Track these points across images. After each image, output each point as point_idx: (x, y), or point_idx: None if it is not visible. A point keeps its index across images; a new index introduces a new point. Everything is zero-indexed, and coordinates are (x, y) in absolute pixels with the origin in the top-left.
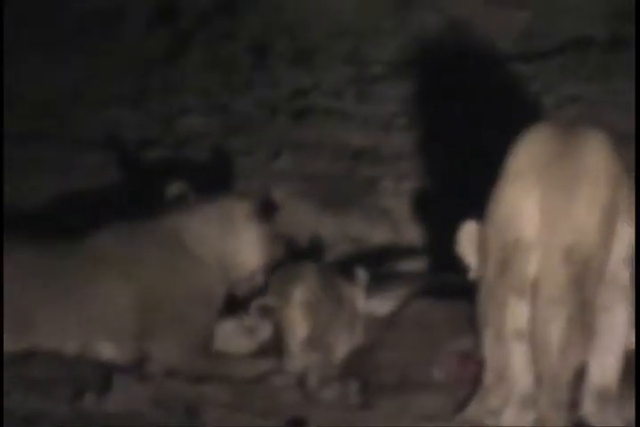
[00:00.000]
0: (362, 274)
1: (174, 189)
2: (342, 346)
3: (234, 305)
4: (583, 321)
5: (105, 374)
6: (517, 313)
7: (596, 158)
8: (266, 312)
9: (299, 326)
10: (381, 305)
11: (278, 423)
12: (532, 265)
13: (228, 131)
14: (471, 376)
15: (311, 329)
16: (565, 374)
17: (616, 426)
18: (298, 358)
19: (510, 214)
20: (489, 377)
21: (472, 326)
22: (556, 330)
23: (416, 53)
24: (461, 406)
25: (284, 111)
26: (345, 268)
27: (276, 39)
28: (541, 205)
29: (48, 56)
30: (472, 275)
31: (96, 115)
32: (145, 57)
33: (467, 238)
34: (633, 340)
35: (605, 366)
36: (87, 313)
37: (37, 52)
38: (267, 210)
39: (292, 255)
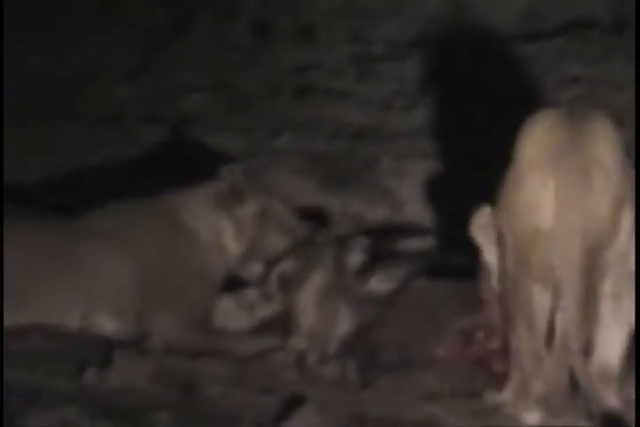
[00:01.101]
0: (358, 250)
1: (229, 172)
2: (342, 324)
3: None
4: (589, 308)
5: (105, 350)
6: (545, 304)
7: (605, 146)
8: (285, 281)
9: (311, 309)
10: (383, 284)
11: (277, 400)
12: (553, 254)
13: (230, 108)
14: (472, 356)
15: (323, 311)
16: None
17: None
18: (304, 337)
19: (527, 205)
20: (525, 369)
21: (474, 305)
22: (571, 318)
23: (418, 33)
24: (478, 390)
25: (286, 90)
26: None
27: (278, 17)
28: (557, 195)
29: (53, 34)
30: (483, 257)
31: (99, 92)
32: (148, 34)
33: (481, 223)
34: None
35: (609, 352)
36: (88, 289)
37: (51, 32)
38: (234, 195)
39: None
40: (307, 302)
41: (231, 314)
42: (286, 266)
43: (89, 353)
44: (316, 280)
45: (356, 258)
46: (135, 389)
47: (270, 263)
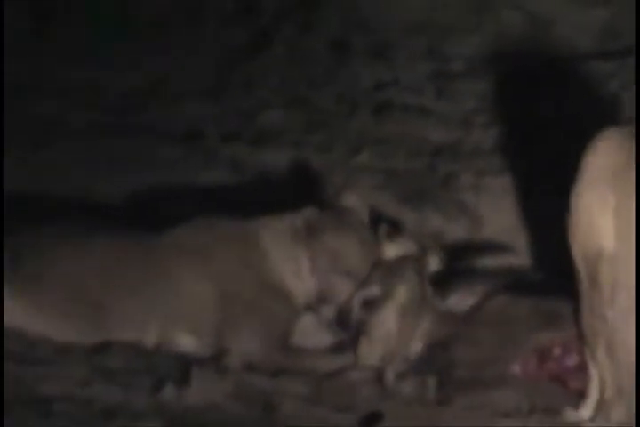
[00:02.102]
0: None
1: (348, 200)
2: (419, 341)
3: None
4: None
5: (184, 367)
6: (630, 332)
7: None
8: (369, 304)
9: (392, 326)
10: (461, 300)
11: (355, 418)
12: (618, 276)
13: (308, 126)
14: (549, 373)
15: (403, 328)
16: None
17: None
18: (382, 354)
19: (588, 227)
20: (608, 391)
21: (552, 322)
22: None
23: (496, 50)
24: (556, 407)
25: (364, 107)
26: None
27: (355, 34)
28: (617, 215)
29: (130, 50)
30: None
31: (177, 109)
32: (226, 51)
33: None
34: None
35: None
36: (167, 306)
37: (120, 46)
38: (312, 231)
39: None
40: (387, 320)
41: (310, 332)
42: (370, 291)
43: (167, 370)
44: (399, 298)
45: (432, 267)
46: (213, 406)
47: (355, 287)
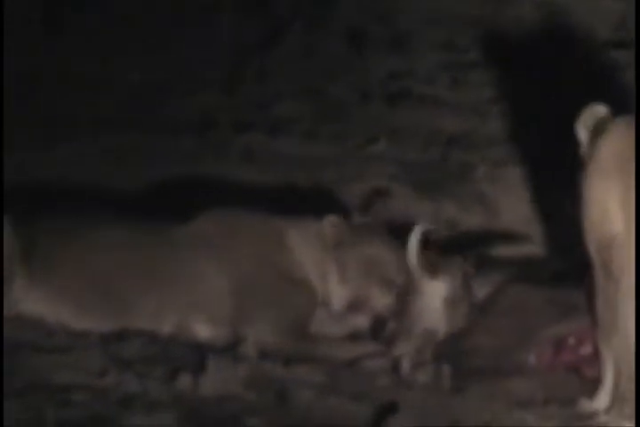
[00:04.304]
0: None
1: (335, 219)
2: (441, 330)
3: None
4: None
5: (199, 356)
6: (631, 314)
7: None
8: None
9: (439, 321)
10: (478, 289)
11: (370, 407)
12: (629, 263)
13: (322, 116)
14: (565, 364)
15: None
16: None
17: None
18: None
19: (598, 215)
20: (623, 381)
21: (568, 311)
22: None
23: (512, 40)
24: (571, 397)
25: (379, 97)
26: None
27: (370, 25)
28: (624, 205)
29: (146, 43)
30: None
31: (191, 99)
32: (240, 42)
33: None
34: None
35: None
36: (184, 294)
37: (135, 41)
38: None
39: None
40: (421, 309)
41: (327, 320)
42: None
43: (183, 359)
44: (444, 292)
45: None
46: (229, 395)
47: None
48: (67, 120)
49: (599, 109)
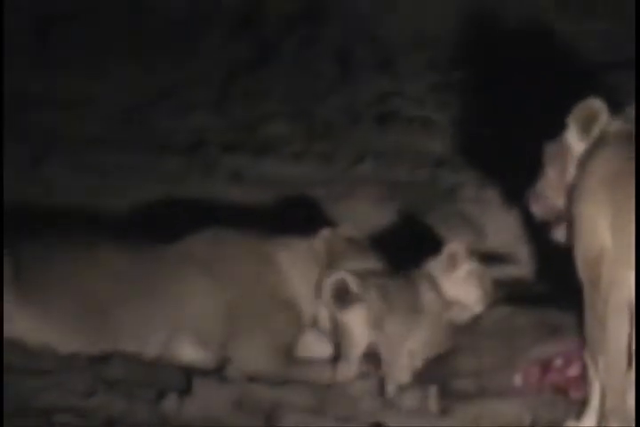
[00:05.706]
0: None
1: (330, 233)
2: (423, 352)
3: None
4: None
5: (186, 378)
6: (622, 332)
7: None
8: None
9: (398, 339)
10: (462, 311)
11: None
12: (618, 279)
13: (310, 136)
14: (552, 385)
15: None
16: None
17: None
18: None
19: (588, 231)
20: (611, 400)
21: (554, 333)
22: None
23: (500, 60)
24: (558, 418)
25: (367, 117)
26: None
27: (359, 46)
28: (613, 220)
29: (134, 62)
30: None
31: (180, 119)
32: (229, 63)
33: None
34: None
35: None
36: (171, 316)
37: (123, 59)
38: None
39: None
40: (394, 333)
41: (313, 343)
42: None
43: (169, 380)
44: (401, 312)
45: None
46: (215, 417)
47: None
48: (53, 139)
49: (593, 104)
